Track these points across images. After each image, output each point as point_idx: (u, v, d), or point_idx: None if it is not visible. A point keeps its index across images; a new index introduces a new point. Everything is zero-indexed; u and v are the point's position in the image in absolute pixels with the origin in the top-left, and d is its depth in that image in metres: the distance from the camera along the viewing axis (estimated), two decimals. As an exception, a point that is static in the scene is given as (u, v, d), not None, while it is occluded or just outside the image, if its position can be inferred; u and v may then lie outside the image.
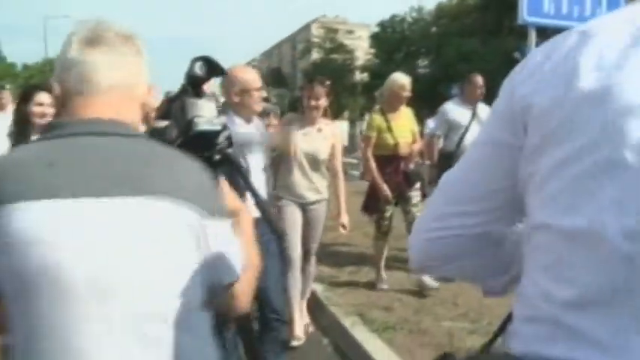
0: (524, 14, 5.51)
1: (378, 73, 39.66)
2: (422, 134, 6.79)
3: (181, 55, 46.26)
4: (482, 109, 5.91)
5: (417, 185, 5.49)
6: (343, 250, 6.81)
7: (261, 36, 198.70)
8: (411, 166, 5.50)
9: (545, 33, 6.10)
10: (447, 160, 5.63)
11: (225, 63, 1.58)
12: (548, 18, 5.66)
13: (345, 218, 4.71)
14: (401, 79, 5.43)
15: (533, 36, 5.55)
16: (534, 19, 5.58)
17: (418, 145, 5.74)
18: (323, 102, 4.42)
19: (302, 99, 4.51)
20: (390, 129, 5.38)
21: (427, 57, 50.92)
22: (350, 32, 79.02)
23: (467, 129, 5.92)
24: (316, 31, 74.64)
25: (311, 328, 4.83)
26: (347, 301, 5.07)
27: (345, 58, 64.13)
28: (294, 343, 4.42)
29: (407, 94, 5.44)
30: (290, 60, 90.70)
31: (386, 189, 5.31)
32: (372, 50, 57.10)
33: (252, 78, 3.52)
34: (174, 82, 2.92)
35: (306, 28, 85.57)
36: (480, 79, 6.14)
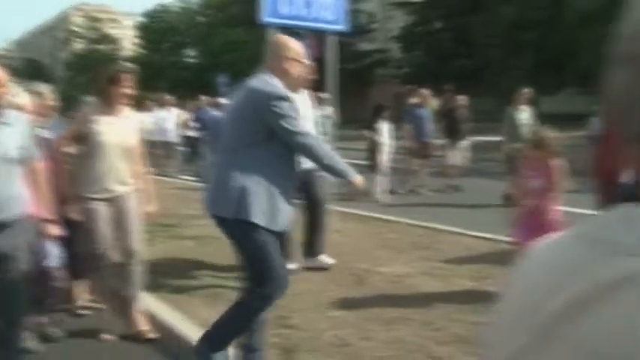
0: (264, 15, 6.54)
1: (146, 64, 39.44)
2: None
3: None
4: None
5: None
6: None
7: (10, 23, 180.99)
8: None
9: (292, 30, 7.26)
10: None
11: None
12: (284, 18, 6.75)
13: (151, 207, 4.50)
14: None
15: (273, 34, 6.59)
16: (273, 19, 6.62)
17: None
18: (130, 90, 4.19)
19: (106, 87, 4.15)
20: None
21: (195, 47, 51.57)
22: (114, 21, 76.38)
23: None
24: (77, 20, 71.13)
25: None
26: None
27: (111, 48, 62.22)
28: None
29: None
30: (49, 51, 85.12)
31: None
32: (138, 40, 56.27)
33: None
34: None
35: (65, 16, 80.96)
36: None
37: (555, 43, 28.27)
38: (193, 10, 53.44)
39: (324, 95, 11.57)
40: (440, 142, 11.73)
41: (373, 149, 10.23)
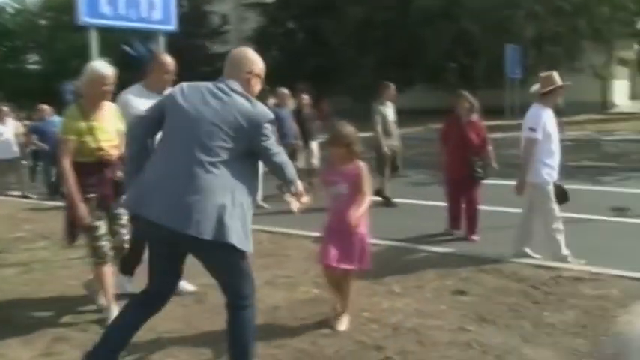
0: (83, 15, 6.02)
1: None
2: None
3: None
4: None
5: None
6: None
7: None
8: (120, 173, 4.42)
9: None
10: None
11: None
12: (107, 19, 6.26)
13: None
14: (102, 68, 4.45)
15: (94, 36, 6.10)
16: (93, 20, 6.12)
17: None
18: None
19: None
20: (91, 130, 4.38)
21: (37, 52, 48.35)
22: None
23: None
24: None
25: None
26: None
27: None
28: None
29: (109, 87, 4.44)
30: None
31: (83, 210, 4.25)
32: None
33: None
34: None
35: None
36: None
37: (402, 41, 29.29)
38: (32, 13, 49.99)
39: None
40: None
41: None
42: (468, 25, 25.19)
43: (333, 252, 4.12)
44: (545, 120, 5.86)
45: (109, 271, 4.52)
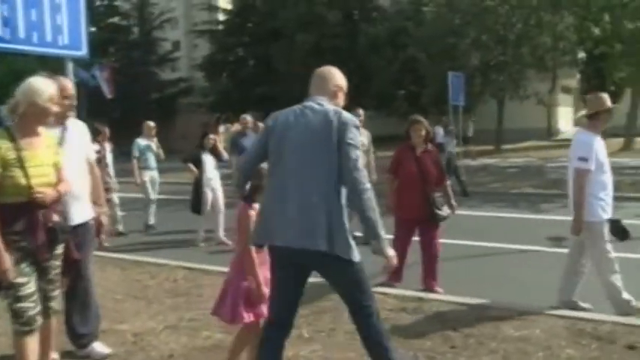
0: None
1: None
2: None
3: None
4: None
5: (59, 249, 3.66)
6: None
7: None
8: (56, 217, 3.55)
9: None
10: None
11: None
12: (4, 42, 5.81)
13: None
14: (42, 85, 3.55)
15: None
16: None
17: (66, 185, 3.71)
18: None
19: None
20: (21, 162, 3.42)
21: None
22: None
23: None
24: None
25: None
26: None
27: None
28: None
29: (51, 108, 3.54)
30: None
31: (6, 262, 3.32)
32: None
33: None
34: None
35: None
36: None
37: (351, 69, 29.33)
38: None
39: (152, 124, 10.73)
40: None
41: (199, 184, 9.09)
42: (415, 52, 25.32)
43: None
44: (596, 148, 5.13)
45: (33, 343, 3.50)
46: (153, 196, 10.47)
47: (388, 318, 4.92)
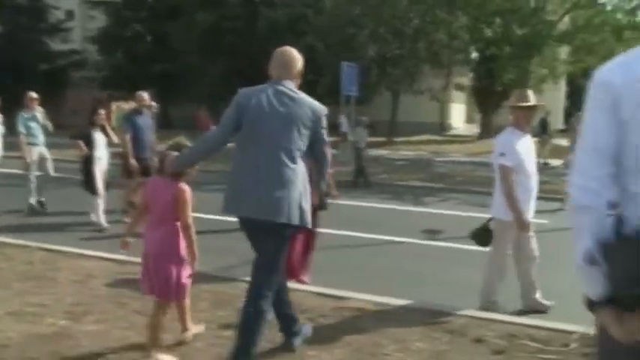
0: None
1: None
2: None
3: None
4: None
5: None
6: None
7: None
8: None
9: None
10: None
11: None
12: None
13: None
14: None
15: None
16: None
17: None
18: None
19: None
20: None
21: None
22: None
23: None
24: None
25: None
26: None
27: None
28: None
29: None
30: None
31: None
32: None
33: None
34: None
35: None
36: None
37: (249, 52, 28.96)
38: None
39: (34, 95, 9.79)
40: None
41: (88, 163, 8.42)
42: (313, 41, 25.27)
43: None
44: (517, 146, 4.99)
45: None
46: (33, 175, 9.65)
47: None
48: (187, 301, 4.02)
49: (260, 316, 3.55)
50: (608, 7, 25.36)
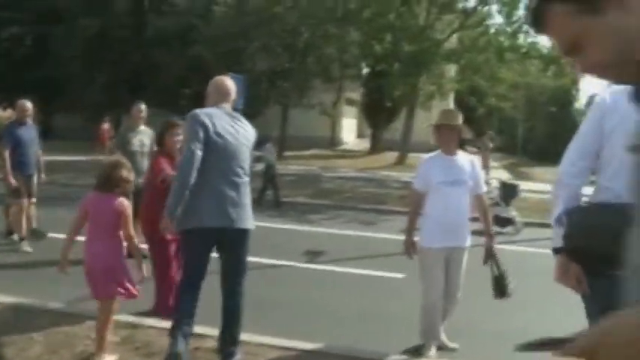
0: None
1: None
2: None
3: None
4: None
5: None
6: None
7: None
8: None
9: None
10: None
11: None
12: None
13: None
14: None
15: None
16: None
17: None
18: None
19: None
20: None
21: None
22: None
23: None
24: None
25: None
26: None
27: None
28: None
29: None
30: None
31: None
32: None
33: None
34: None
35: None
36: None
37: (137, 62, 27.93)
38: None
39: None
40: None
41: None
42: (202, 51, 24.66)
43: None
44: (427, 167, 4.72)
45: None
46: None
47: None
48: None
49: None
50: (492, 30, 26.42)
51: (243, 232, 4.11)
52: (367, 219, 12.47)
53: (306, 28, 25.12)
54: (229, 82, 4.19)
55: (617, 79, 1.18)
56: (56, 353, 4.22)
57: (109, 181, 4.03)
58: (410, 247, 4.74)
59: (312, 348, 4.59)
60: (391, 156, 27.47)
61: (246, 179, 4.11)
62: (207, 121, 3.86)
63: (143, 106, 7.87)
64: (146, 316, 5.01)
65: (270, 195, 13.55)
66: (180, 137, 5.16)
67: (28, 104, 8.16)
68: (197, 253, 4.09)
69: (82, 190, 10.18)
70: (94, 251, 4.00)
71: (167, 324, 4.25)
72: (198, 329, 4.53)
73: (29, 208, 8.19)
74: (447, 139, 4.67)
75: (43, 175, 8.41)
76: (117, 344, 4.38)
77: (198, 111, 3.94)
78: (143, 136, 7.56)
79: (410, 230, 4.79)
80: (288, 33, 24.80)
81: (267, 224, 11.20)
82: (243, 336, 4.30)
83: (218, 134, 3.89)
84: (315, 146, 30.82)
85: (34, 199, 8.31)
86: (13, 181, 7.72)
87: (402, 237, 4.91)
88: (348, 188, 17.51)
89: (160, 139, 5.53)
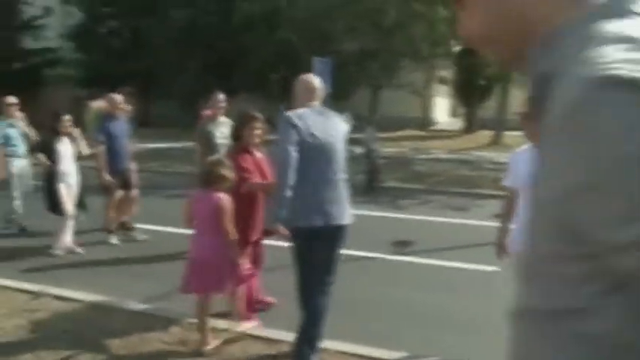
0: None
1: None
2: None
3: None
4: None
5: None
6: None
7: None
8: None
9: None
10: None
11: None
12: None
13: None
14: None
15: None
16: None
17: None
18: None
19: None
20: None
21: None
22: None
23: None
24: None
25: None
26: None
27: None
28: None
29: None
30: None
31: None
32: None
33: None
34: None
35: None
36: None
37: (226, 48, 28.24)
38: None
39: (12, 100, 8.66)
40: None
41: (52, 179, 7.37)
42: (288, 34, 24.53)
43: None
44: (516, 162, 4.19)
45: None
46: (17, 192, 8.44)
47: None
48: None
49: None
50: None
51: (342, 229, 4.22)
52: (459, 204, 11.92)
53: (392, 6, 24.39)
54: (315, 80, 4.27)
55: (501, 56, 0.96)
56: (132, 353, 4.13)
57: (210, 178, 4.30)
58: (501, 250, 4.26)
59: (398, 357, 4.27)
60: (486, 135, 26.46)
61: (343, 176, 4.19)
62: (299, 124, 3.96)
63: (222, 96, 7.68)
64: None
65: (364, 179, 13.26)
66: (259, 132, 5.06)
67: (118, 97, 8.16)
68: (314, 254, 4.14)
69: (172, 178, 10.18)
70: (199, 245, 4.33)
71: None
72: (272, 333, 4.31)
73: (130, 201, 8.27)
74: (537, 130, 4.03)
75: (134, 165, 8.39)
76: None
77: (290, 114, 4.03)
78: (224, 128, 7.40)
79: (502, 230, 4.27)
80: (374, 12, 24.16)
81: (355, 211, 10.90)
82: (322, 342, 4.03)
83: (311, 135, 3.97)
84: (407, 127, 30.15)
85: (134, 191, 8.32)
86: (107, 177, 7.75)
87: (494, 223, 4.47)
88: (440, 171, 16.91)
89: (238, 133, 5.19)
